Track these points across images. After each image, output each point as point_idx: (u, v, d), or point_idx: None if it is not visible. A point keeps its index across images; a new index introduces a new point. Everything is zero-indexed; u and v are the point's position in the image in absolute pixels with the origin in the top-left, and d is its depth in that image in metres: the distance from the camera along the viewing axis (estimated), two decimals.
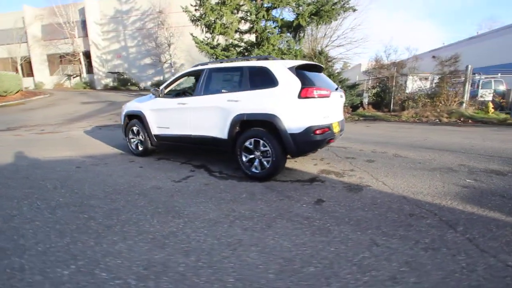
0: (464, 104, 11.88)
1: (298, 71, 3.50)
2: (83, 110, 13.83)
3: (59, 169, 4.34)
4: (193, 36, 12.49)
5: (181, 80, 4.70)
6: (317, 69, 3.92)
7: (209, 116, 3.96)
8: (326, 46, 18.63)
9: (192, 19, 12.39)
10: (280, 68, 3.53)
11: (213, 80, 4.15)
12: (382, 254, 2.03)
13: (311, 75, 3.62)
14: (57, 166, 4.49)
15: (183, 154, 5.22)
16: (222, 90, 3.97)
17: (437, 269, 1.87)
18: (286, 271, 1.83)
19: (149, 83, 25.95)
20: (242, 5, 12.25)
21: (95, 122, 10.71)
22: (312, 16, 11.56)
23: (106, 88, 26.08)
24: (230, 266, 1.89)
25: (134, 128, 5.02)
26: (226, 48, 12.48)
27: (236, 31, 12.56)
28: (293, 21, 11.68)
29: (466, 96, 12.09)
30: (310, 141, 3.37)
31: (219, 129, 3.89)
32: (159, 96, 4.58)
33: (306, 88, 3.32)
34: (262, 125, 3.55)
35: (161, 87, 4.59)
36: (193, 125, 4.15)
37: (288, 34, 12.19)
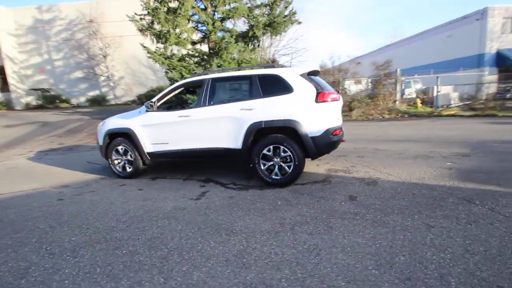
0: (397, 102, 13.84)
1: (309, 76, 3.66)
2: (11, 135, 11.62)
3: (36, 204, 3.61)
4: (145, 47, 11.83)
5: (177, 91, 4.41)
6: (316, 74, 4.16)
7: (219, 127, 3.82)
8: (273, 55, 19.58)
9: (140, 28, 11.72)
10: (292, 74, 3.64)
11: (219, 90, 4.03)
12: (442, 234, 2.28)
13: (317, 80, 3.83)
14: (30, 202, 3.72)
15: (179, 170, 4.87)
16: (231, 100, 3.89)
17: (490, 236, 2.19)
18: (383, 265, 1.92)
19: (83, 98, 23.23)
20: (193, 15, 12.09)
21: (35, 147, 9.13)
22: (266, 27, 12.07)
23: (29, 107, 22.35)
24: (329, 271, 1.89)
25: (120, 147, 4.50)
26: (182, 59, 12.10)
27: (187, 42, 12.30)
28: (248, 31, 11.98)
29: (398, 95, 14.12)
30: (329, 142, 3.55)
31: (232, 139, 3.78)
32: (152, 110, 4.22)
33: (322, 92, 3.50)
34: (281, 131, 3.60)
35: (154, 100, 4.24)
36: (199, 137, 3.94)
37: (243, 44, 12.44)
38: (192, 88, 5.13)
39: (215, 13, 12.11)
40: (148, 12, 11.03)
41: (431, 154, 5.03)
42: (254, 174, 3.82)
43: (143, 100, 20.92)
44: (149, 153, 4.33)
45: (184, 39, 11.96)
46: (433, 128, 8.20)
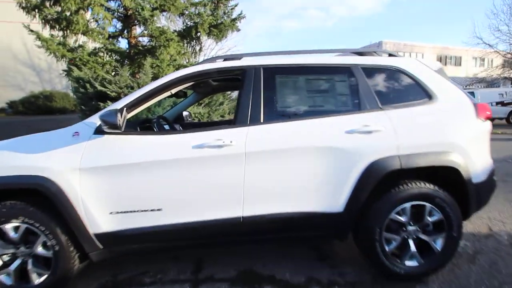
0: None
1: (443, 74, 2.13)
2: None
3: None
4: (32, 31, 8.00)
5: (174, 89, 2.05)
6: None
7: (295, 169, 1.79)
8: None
9: (25, 6, 7.96)
10: (427, 70, 2.03)
11: (283, 90, 1.99)
12: None
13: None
14: None
15: (153, 264, 2.36)
16: (317, 112, 1.92)
17: None
18: None
19: None
20: None
21: None
22: (212, 29, 10.23)
23: None
24: None
25: (11, 226, 1.72)
26: (95, 53, 8.77)
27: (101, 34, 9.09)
28: (190, 29, 9.83)
29: None
30: (493, 189, 2.06)
31: (323, 194, 1.82)
32: (117, 131, 1.72)
33: (481, 104, 2.01)
34: (424, 175, 1.89)
35: (118, 107, 1.77)
36: (250, 193, 1.77)
37: (185, 45, 10.21)
38: (216, 82, 2.70)
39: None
40: None
41: None
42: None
43: (19, 108, 14.87)
44: (104, 235, 1.75)
45: (98, 27, 8.80)
46: None
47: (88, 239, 1.72)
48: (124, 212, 1.73)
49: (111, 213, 1.72)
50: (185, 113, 3.27)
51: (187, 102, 3.19)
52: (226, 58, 2.07)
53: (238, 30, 11.61)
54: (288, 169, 1.78)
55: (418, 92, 1.96)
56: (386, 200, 1.82)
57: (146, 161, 1.72)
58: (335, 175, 1.80)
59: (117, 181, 1.72)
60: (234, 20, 10.77)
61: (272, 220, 1.80)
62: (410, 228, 1.89)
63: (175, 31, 9.51)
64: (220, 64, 1.98)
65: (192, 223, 1.75)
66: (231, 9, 10.95)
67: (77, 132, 1.77)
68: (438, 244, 1.91)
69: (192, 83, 2.05)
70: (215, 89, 2.99)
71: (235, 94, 10.78)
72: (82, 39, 9.05)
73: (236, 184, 1.76)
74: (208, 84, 2.70)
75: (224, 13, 10.71)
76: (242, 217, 1.79)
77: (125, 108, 1.74)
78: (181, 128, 2.93)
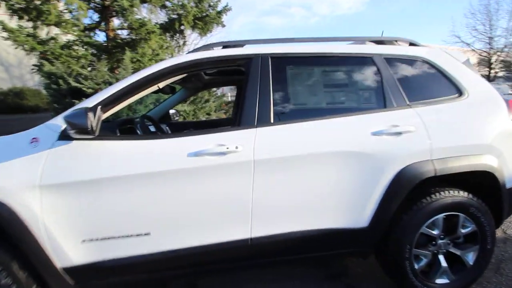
0: None
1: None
2: None
3: None
4: None
5: (163, 82, 1.67)
6: None
7: (315, 178, 1.49)
8: None
9: None
10: (454, 61, 1.78)
11: (295, 83, 1.68)
12: None
13: None
14: None
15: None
16: (336, 109, 1.62)
17: None
18: None
19: None
20: None
21: None
22: (197, 21, 9.75)
23: None
24: None
25: None
26: (68, 46, 8.10)
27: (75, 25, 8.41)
28: (174, 22, 9.31)
29: None
30: None
31: (345, 208, 1.54)
32: (89, 136, 1.34)
33: None
34: (457, 181, 1.65)
35: (91, 104, 1.39)
36: (260, 209, 1.45)
37: (168, 39, 9.68)
38: (209, 75, 2.30)
39: None
40: None
41: None
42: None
43: None
44: (75, 269, 1.36)
45: (73, 18, 8.15)
46: None
47: (55, 275, 1.34)
48: (102, 239, 1.36)
49: (84, 241, 1.34)
50: (171, 112, 2.91)
51: (174, 100, 2.82)
52: (226, 45, 1.70)
53: (224, 25, 11.16)
54: (304, 179, 1.47)
55: (447, 86, 1.72)
56: (418, 212, 1.56)
57: (129, 174, 1.35)
58: (360, 185, 1.52)
59: (90, 201, 1.34)
60: (219, 12, 10.33)
61: (286, 241, 1.50)
62: (441, 242, 1.65)
63: (157, 23, 8.97)
64: (219, 52, 1.63)
65: (189, 249, 1.41)
66: (217, 1, 10.51)
67: (35, 138, 1.35)
68: (470, 257, 1.69)
69: (184, 75, 1.67)
70: (207, 84, 2.61)
71: (219, 91, 10.34)
72: (55, 31, 8.35)
73: (243, 199, 1.43)
74: (200, 78, 2.35)
75: (209, 5, 10.24)
76: (251, 238, 1.47)
77: (99, 107, 1.36)
78: (168, 129, 2.56)
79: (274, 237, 1.48)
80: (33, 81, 16.48)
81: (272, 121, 1.52)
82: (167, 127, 2.57)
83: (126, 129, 1.85)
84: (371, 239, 1.58)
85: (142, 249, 1.39)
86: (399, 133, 1.53)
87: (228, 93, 13.79)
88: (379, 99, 1.64)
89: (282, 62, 1.64)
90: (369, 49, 1.73)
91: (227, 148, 1.38)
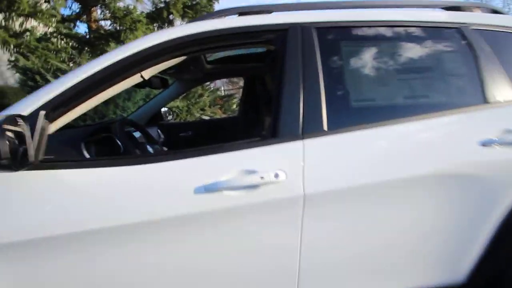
0: None
1: None
2: None
3: None
4: None
5: (151, 71, 1.08)
6: None
7: (396, 217, 0.97)
8: None
9: None
10: None
11: (358, 71, 1.10)
12: None
13: None
14: None
15: None
16: (418, 107, 1.08)
17: None
18: None
19: None
20: None
21: None
22: (186, 10, 9.13)
23: None
24: None
25: None
26: (46, 38, 7.45)
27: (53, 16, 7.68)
28: (162, 11, 8.68)
29: None
30: None
31: (435, 259, 1.02)
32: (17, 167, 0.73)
33: None
34: None
35: (31, 107, 0.81)
36: (317, 267, 0.93)
37: (156, 29, 9.04)
38: (212, 63, 1.67)
39: None
40: None
41: None
42: None
43: None
44: None
45: (50, 8, 7.47)
46: None
47: None
48: None
49: None
50: (163, 110, 2.35)
51: (166, 96, 2.26)
52: (242, 12, 1.11)
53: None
54: (381, 219, 0.95)
55: None
56: None
57: (101, 227, 0.79)
58: (459, 223, 0.99)
59: (34, 270, 0.78)
60: (211, 0, 9.76)
61: None
62: None
63: (143, 12, 8.33)
64: (236, 22, 1.06)
65: None
66: None
67: None
68: None
69: (183, 57, 1.08)
70: (209, 74, 2.00)
71: (212, 85, 9.59)
72: (31, 22, 7.63)
73: (286, 255, 0.91)
74: (200, 65, 1.74)
75: None
76: None
77: (42, 113, 0.78)
78: (160, 133, 2.00)
79: None
80: (14, 78, 15.54)
81: (325, 128, 0.97)
82: (159, 131, 2.00)
83: (97, 142, 1.23)
84: None
85: None
86: None
87: (222, 87, 13.15)
88: (477, 90, 1.09)
89: (334, 35, 1.08)
90: (456, 17, 1.17)
91: (262, 177, 0.83)
